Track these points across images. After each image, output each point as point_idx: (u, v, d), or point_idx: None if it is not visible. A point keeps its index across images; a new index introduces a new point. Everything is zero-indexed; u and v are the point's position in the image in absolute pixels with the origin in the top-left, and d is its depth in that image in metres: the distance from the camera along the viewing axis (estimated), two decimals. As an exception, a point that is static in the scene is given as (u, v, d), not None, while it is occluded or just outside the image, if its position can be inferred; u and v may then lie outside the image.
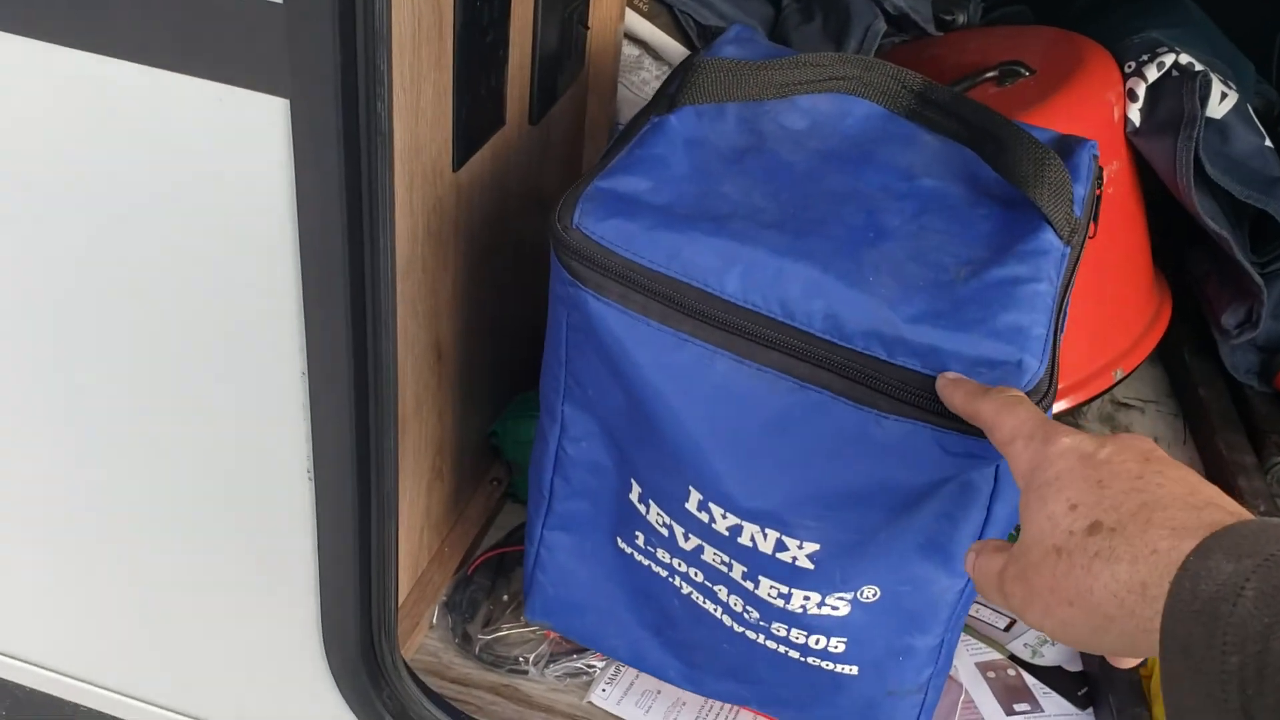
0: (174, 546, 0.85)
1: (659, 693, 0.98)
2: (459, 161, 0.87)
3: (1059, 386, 1.09)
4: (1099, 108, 1.09)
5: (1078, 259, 0.79)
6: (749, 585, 0.79)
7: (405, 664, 0.87)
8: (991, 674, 1.01)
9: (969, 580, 0.78)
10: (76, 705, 0.97)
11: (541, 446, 0.87)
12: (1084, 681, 1.01)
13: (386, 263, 0.70)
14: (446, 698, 0.92)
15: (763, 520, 0.75)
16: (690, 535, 0.80)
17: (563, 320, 0.78)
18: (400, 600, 0.95)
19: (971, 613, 1.07)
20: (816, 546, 0.75)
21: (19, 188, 0.71)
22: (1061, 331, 0.78)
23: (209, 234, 0.69)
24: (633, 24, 1.23)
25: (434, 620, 1.01)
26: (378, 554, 0.80)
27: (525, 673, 0.98)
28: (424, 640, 0.99)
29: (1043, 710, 0.98)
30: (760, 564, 0.77)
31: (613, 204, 0.74)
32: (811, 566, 0.76)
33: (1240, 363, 1.16)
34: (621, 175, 0.77)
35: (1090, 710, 0.98)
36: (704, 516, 0.77)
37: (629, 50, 1.24)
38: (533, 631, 1.01)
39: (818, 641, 0.80)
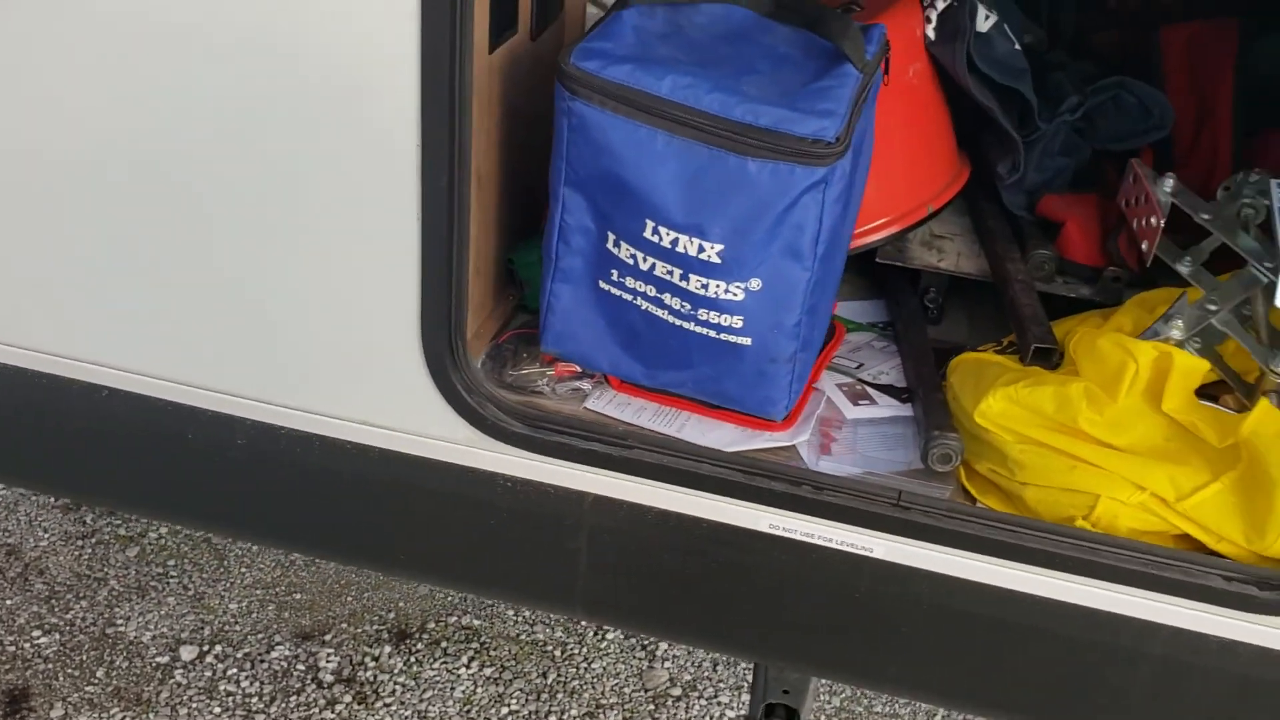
0: (319, 278, 1.35)
1: (629, 403, 1.49)
2: (492, 46, 1.39)
3: (888, 218, 1.64)
4: (906, 29, 1.64)
5: (869, 85, 1.33)
6: (684, 284, 1.31)
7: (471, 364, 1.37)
8: (845, 388, 1.54)
9: (813, 273, 1.30)
10: (237, 419, 1.45)
11: (549, 224, 1.38)
12: (907, 391, 1.54)
13: (469, 79, 1.21)
14: (492, 397, 1.42)
15: (690, 231, 1.27)
16: (647, 257, 1.32)
17: (564, 126, 1.30)
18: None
19: (833, 363, 1.60)
20: (722, 246, 1.27)
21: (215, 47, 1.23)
22: (865, 127, 1.32)
23: (366, 62, 1.21)
24: (591, -12, 1.78)
25: (479, 368, 1.52)
26: (457, 278, 1.31)
27: (542, 393, 1.49)
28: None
29: (876, 403, 1.51)
30: (689, 264, 1.29)
31: (590, 53, 1.28)
32: (720, 262, 1.28)
33: (1014, 201, 1.71)
34: (596, 41, 1.30)
35: (909, 404, 1.51)
36: (655, 238, 1.30)
37: (592, 10, 1.79)
38: (544, 370, 1.52)
39: (726, 320, 1.32)
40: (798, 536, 1.34)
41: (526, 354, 1.55)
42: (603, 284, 1.39)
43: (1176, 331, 1.33)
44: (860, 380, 1.56)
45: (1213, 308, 1.35)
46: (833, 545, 1.33)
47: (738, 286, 1.30)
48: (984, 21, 1.65)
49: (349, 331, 1.38)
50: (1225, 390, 1.38)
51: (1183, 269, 1.47)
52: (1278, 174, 1.73)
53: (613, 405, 1.48)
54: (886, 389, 1.54)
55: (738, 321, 1.33)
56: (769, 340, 1.34)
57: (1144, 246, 1.50)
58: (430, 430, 1.40)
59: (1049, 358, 1.44)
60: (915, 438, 1.46)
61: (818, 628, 1.40)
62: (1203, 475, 1.26)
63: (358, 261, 1.34)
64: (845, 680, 2.10)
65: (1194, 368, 1.29)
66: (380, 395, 1.40)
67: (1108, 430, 1.30)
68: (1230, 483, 1.25)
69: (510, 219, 1.60)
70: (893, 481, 1.37)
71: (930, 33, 1.66)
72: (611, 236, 1.34)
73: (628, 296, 1.38)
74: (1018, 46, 1.66)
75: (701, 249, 1.28)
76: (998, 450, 1.35)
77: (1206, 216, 1.45)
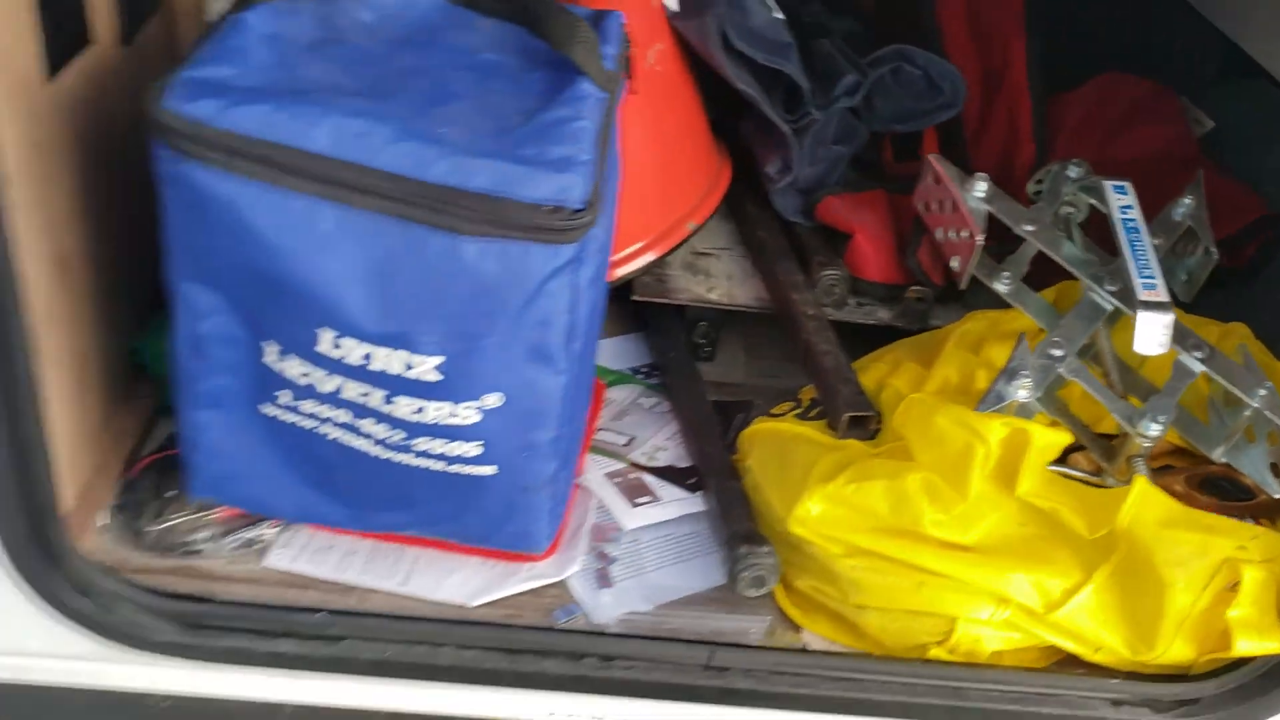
0: None
1: (331, 547, 1.08)
2: (53, 69, 0.92)
3: (643, 243, 1.29)
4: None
5: (614, 103, 0.96)
6: (389, 409, 0.91)
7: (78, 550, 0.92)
8: (618, 480, 1.19)
9: (569, 374, 0.93)
10: None
11: (173, 331, 0.94)
12: (693, 473, 1.21)
13: None
14: (127, 580, 0.98)
15: (390, 342, 0.87)
16: (331, 375, 0.91)
17: (173, 199, 0.86)
18: (68, 509, 0.99)
19: (597, 437, 1.24)
20: (441, 359, 0.88)
21: None
22: (611, 162, 0.96)
23: None
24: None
25: (104, 523, 1.06)
26: (24, 427, 0.85)
27: (199, 552, 1.05)
28: (97, 543, 1.04)
29: (659, 498, 1.17)
30: (395, 385, 0.89)
31: (200, 88, 0.83)
32: (439, 378, 0.89)
33: (787, 205, 1.40)
34: (205, 65, 0.86)
35: (699, 493, 1.18)
36: (337, 353, 0.88)
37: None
38: (202, 517, 1.08)
39: (458, 448, 0.94)
40: (584, 722, 0.99)
41: (174, 491, 1.10)
42: (268, 409, 0.97)
43: (1023, 392, 1.06)
44: (634, 464, 1.22)
45: (1058, 353, 1.09)
46: (631, 728, 1.00)
47: (470, 407, 0.92)
48: (736, -16, 1.31)
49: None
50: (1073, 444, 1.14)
51: (1001, 288, 1.21)
52: (1078, 142, 1.50)
53: (307, 557, 1.07)
54: (667, 473, 1.21)
55: (474, 449, 0.95)
56: (519, 466, 0.97)
57: (955, 265, 1.23)
58: (35, 648, 0.95)
59: (865, 425, 1.14)
60: (712, 542, 1.14)
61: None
62: (1073, 575, 1.01)
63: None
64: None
65: (1052, 443, 1.03)
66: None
67: (956, 529, 1.02)
68: (1105, 581, 1.00)
69: (131, 299, 1.13)
70: (698, 621, 1.04)
71: (671, 2, 1.30)
72: (272, 349, 0.92)
73: (307, 423, 0.96)
74: (777, 14, 1.33)
75: (410, 365, 0.88)
76: (822, 565, 1.04)
77: (1030, 228, 1.19)
